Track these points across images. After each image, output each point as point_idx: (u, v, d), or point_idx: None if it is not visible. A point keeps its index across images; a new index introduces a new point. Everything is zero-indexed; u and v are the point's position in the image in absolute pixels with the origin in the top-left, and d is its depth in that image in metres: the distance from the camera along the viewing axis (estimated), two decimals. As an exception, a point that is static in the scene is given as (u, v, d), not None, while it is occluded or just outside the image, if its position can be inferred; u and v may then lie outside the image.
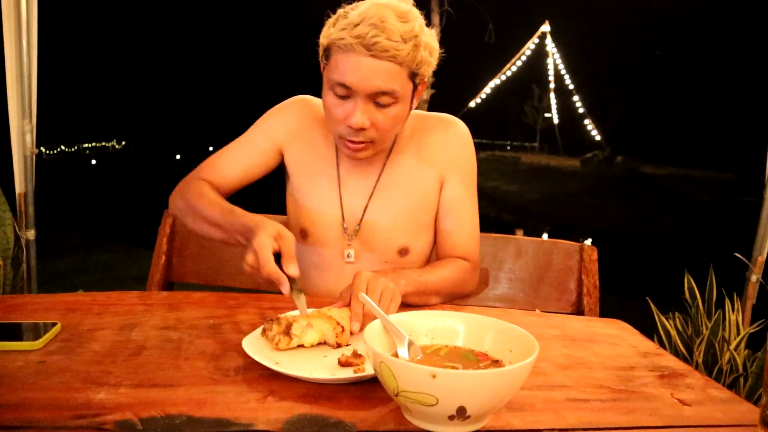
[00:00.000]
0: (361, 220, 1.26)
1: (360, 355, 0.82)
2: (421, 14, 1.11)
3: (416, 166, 1.27)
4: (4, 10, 2.21)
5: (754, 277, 2.30)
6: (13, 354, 0.81)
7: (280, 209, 1.41)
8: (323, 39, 1.11)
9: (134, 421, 0.65)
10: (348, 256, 1.26)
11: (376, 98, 1.09)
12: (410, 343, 0.77)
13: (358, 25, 1.04)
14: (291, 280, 0.95)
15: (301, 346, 0.87)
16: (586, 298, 1.46)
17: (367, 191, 1.27)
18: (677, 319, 2.23)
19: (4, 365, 0.78)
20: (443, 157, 1.27)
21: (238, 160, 1.29)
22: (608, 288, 1.54)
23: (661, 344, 2.17)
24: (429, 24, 1.14)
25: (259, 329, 0.90)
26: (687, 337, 2.18)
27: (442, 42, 1.20)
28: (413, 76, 1.11)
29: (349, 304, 0.98)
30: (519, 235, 1.68)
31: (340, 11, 1.10)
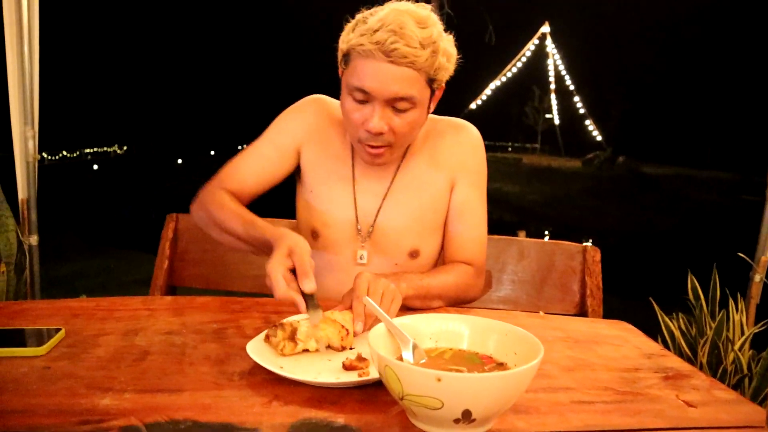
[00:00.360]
0: (375, 221, 1.26)
1: (364, 359, 0.82)
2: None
3: (428, 169, 1.27)
4: (5, 17, 2.22)
5: (757, 277, 2.29)
6: (18, 360, 0.81)
7: (284, 211, 1.40)
8: (342, 44, 1.11)
9: (139, 427, 0.65)
10: (361, 257, 1.26)
11: (394, 103, 1.10)
12: (415, 347, 0.77)
13: (377, 31, 1.05)
14: (307, 296, 0.91)
15: (305, 350, 0.87)
16: (590, 299, 1.45)
17: (381, 193, 1.27)
18: (681, 320, 2.22)
19: (8, 371, 0.78)
20: (454, 161, 1.28)
21: (258, 165, 1.27)
22: (611, 289, 1.54)
23: (665, 345, 2.16)
24: None
25: (263, 334, 0.90)
26: (691, 338, 2.17)
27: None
28: (431, 81, 1.12)
29: (350, 307, 0.97)
30: (522, 236, 1.67)
31: (359, 16, 1.10)
